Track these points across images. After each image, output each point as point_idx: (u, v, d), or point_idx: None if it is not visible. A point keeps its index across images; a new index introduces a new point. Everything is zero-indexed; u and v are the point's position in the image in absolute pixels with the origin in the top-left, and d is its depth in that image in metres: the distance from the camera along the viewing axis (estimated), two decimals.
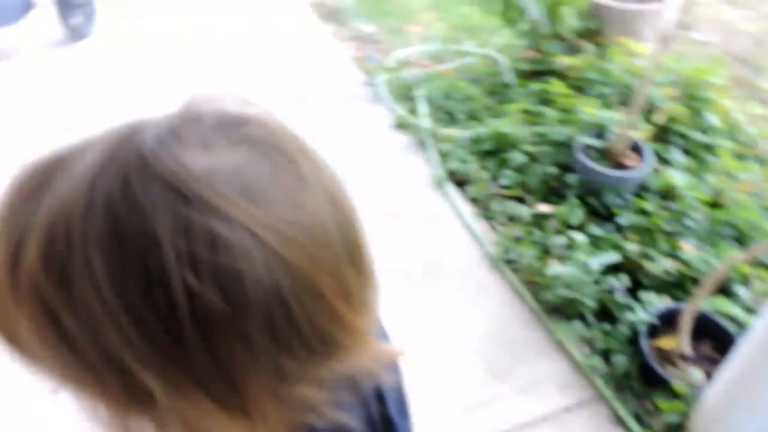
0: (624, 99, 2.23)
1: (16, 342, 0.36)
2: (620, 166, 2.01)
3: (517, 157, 2.14)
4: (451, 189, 2.15)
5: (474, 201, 2.11)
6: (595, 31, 2.67)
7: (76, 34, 3.07)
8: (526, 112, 2.34)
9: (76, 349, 0.33)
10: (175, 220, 0.31)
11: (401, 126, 2.50)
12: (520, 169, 2.13)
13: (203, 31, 3.26)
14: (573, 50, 2.63)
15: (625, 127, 1.99)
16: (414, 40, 3.44)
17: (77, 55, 2.96)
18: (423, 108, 2.55)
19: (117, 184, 0.32)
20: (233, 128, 0.35)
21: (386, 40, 3.46)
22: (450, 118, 2.55)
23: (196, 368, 0.33)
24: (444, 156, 2.29)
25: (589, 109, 2.13)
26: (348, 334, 0.37)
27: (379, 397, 0.53)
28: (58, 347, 0.33)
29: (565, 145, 2.12)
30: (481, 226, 2.02)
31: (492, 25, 3.53)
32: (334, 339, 0.37)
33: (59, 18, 3.01)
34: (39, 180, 0.34)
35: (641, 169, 1.97)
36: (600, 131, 2.09)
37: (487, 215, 2.06)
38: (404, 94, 2.73)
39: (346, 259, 0.37)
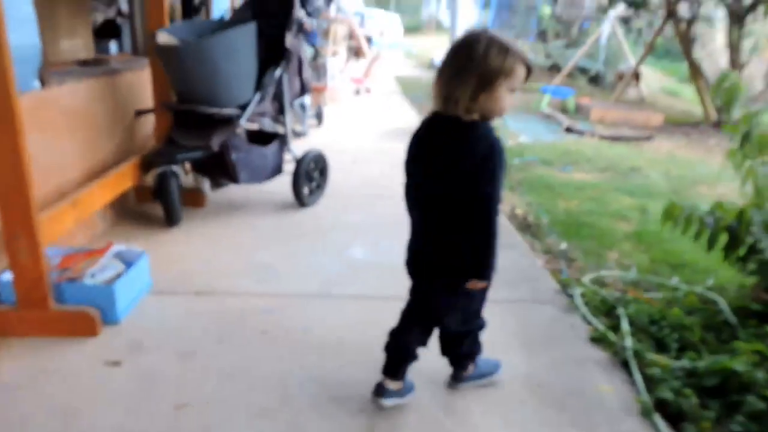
0: None
1: None
2: None
3: (755, 403, 1.74)
4: (661, 422, 1.78)
5: None
6: None
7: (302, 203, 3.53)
8: (761, 354, 1.97)
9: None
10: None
11: (598, 340, 2.25)
12: (757, 417, 1.71)
13: None
14: None
15: None
16: (611, 264, 3.29)
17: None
18: (626, 326, 2.30)
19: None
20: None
21: (580, 260, 3.37)
22: (657, 345, 2.24)
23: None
24: (651, 382, 1.96)
25: None
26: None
27: None
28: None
29: None
30: None
31: (705, 264, 3.27)
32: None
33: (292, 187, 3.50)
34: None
35: None
36: None
37: None
38: (604, 309, 2.52)
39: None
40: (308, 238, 3.16)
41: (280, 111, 3.39)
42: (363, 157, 5.09)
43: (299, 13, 3.26)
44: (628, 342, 2.18)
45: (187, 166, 3.50)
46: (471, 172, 1.48)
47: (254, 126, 3.26)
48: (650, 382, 1.96)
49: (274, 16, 3.25)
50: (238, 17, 3.29)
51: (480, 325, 1.84)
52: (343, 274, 2.72)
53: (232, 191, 3.77)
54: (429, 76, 11.78)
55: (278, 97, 3.31)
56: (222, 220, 3.32)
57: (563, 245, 3.54)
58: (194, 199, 3.44)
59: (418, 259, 1.69)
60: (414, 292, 1.76)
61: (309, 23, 3.28)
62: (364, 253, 2.98)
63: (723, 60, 11.97)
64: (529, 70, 1.50)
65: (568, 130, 7.14)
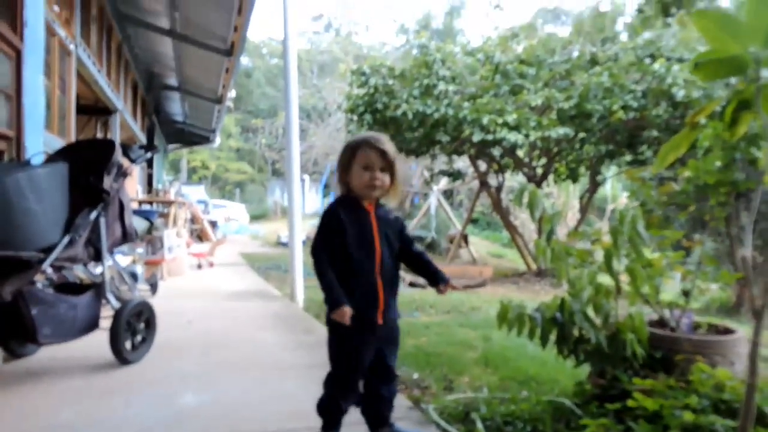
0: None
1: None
2: None
3: None
4: None
5: None
6: (663, 360, 2.45)
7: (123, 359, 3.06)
8: (606, 427, 1.94)
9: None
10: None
11: None
12: None
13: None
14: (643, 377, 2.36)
15: None
16: (463, 387, 3.22)
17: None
18: (480, 426, 2.17)
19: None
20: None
21: (433, 386, 3.26)
22: None
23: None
24: None
25: (689, 415, 1.75)
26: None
27: None
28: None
29: None
30: None
31: (548, 376, 3.34)
32: None
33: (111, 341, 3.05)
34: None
35: None
36: None
37: None
38: (458, 416, 2.38)
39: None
40: (129, 390, 2.68)
41: (97, 257, 3.08)
42: (201, 315, 4.72)
43: (119, 157, 3.17)
44: None
45: None
46: None
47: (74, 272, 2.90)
48: None
49: (92, 162, 3.11)
50: (49, 161, 3.09)
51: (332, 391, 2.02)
52: (169, 423, 2.28)
53: (34, 355, 3.17)
54: (275, 252, 11.91)
55: (94, 242, 3.02)
56: (12, 389, 2.71)
57: (415, 375, 3.44)
58: None
59: None
60: None
61: (130, 166, 3.18)
62: (195, 399, 2.58)
63: (533, 227, 13.86)
64: (373, 148, 1.94)
65: (411, 284, 7.44)
